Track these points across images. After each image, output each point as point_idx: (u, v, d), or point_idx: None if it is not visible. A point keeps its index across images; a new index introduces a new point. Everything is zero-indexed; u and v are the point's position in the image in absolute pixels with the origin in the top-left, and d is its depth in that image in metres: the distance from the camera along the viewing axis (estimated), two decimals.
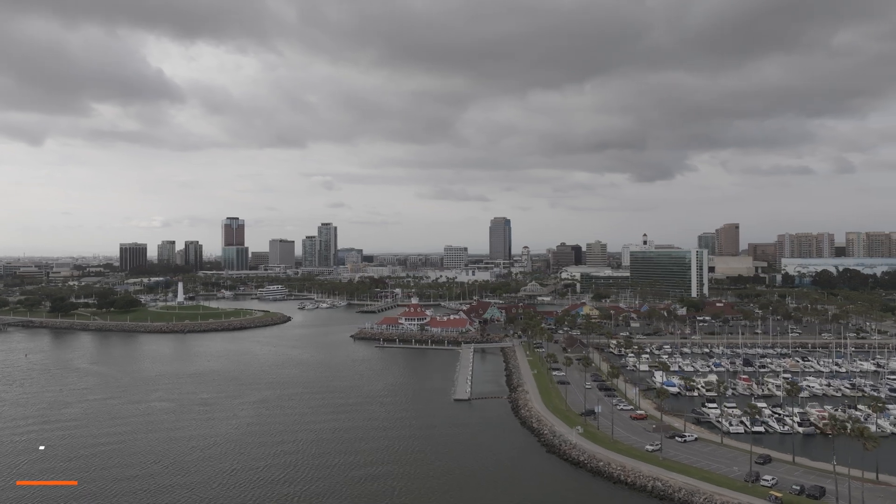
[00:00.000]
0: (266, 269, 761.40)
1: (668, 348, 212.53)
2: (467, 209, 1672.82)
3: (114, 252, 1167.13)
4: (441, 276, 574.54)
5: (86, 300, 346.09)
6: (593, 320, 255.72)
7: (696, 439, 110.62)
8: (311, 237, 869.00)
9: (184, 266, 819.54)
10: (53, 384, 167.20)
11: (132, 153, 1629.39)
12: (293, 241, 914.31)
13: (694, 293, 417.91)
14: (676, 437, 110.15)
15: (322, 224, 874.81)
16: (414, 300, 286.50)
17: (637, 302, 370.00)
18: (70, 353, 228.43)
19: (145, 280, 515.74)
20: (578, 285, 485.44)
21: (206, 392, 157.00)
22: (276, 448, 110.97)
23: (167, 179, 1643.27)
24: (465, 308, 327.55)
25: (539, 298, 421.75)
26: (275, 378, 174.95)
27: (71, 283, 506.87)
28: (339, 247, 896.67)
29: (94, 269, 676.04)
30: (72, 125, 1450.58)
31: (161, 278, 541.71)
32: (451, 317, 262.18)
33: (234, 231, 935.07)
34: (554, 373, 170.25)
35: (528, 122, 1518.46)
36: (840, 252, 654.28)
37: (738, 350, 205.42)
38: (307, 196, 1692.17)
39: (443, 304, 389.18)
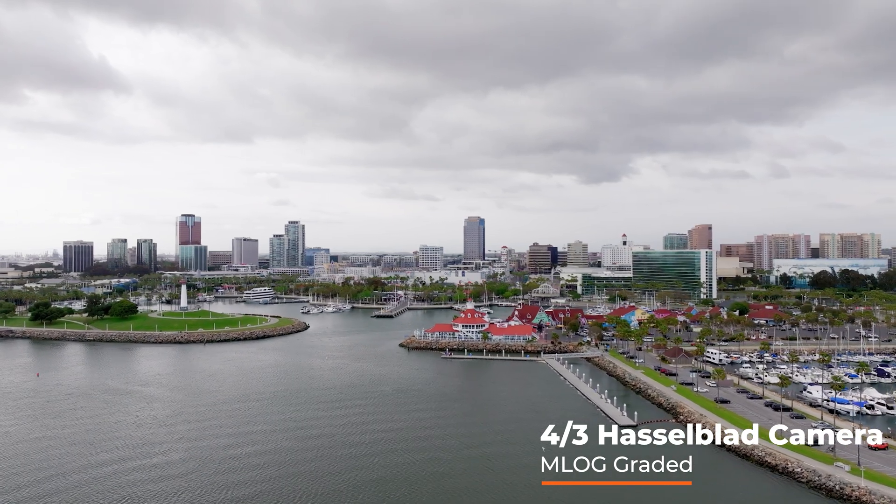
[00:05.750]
0: (236, 269, 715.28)
1: (769, 357, 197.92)
2: (415, 208, 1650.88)
3: (41, 250, 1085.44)
4: (430, 277, 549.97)
5: (67, 305, 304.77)
6: (658, 326, 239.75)
7: None
8: (279, 236, 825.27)
9: (137, 266, 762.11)
10: (113, 415, 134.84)
11: (62, 146, 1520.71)
12: (257, 240, 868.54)
13: (706, 294, 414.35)
14: None
15: (290, 222, 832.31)
16: (469, 305, 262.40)
17: (657, 304, 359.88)
18: (90, 370, 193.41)
19: (114, 282, 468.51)
20: (579, 287, 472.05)
21: (317, 422, 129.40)
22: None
23: (98, 174, 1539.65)
24: (477, 313, 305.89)
25: (553, 301, 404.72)
26: (378, 399, 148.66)
27: (29, 285, 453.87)
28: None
29: (45, 271, 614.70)
30: None
31: (129, 280, 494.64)
32: (511, 323, 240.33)
33: (189, 229, 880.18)
34: (697, 389, 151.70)
35: (483, 122, 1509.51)
36: (815, 253, 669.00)
37: (859, 358, 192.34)
38: (250, 193, 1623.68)
39: (455, 307, 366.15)
